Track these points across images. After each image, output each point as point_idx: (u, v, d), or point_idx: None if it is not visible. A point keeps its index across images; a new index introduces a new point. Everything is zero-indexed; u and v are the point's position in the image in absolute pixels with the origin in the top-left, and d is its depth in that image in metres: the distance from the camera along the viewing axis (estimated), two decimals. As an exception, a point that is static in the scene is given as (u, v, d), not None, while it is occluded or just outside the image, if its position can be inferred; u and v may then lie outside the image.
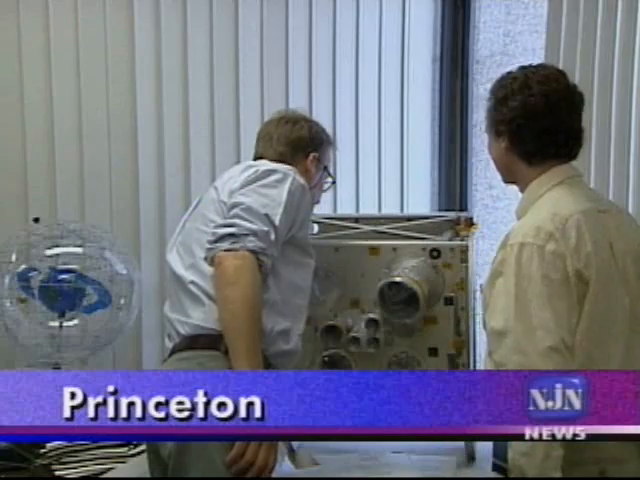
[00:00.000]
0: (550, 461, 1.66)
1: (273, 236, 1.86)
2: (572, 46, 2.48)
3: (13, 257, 2.56)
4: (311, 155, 2.18)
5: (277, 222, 1.88)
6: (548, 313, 1.68)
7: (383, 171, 3.16)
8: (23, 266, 2.55)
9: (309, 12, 3.00)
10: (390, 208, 3.14)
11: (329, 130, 3.01)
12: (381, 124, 3.14)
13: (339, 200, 3.10)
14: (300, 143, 2.17)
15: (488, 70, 3.11)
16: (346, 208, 3.09)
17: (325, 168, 2.24)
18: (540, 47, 2.81)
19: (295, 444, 2.62)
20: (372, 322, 2.29)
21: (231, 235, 1.82)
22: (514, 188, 3.06)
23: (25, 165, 2.76)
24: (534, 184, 1.84)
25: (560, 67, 2.53)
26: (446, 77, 3.18)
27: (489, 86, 3.02)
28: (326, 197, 3.05)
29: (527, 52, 3.01)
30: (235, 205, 1.89)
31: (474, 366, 2.51)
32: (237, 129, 2.96)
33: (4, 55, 2.74)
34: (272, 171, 1.97)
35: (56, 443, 2.35)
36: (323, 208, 3.01)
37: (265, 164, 2.03)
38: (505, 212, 3.12)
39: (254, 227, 1.84)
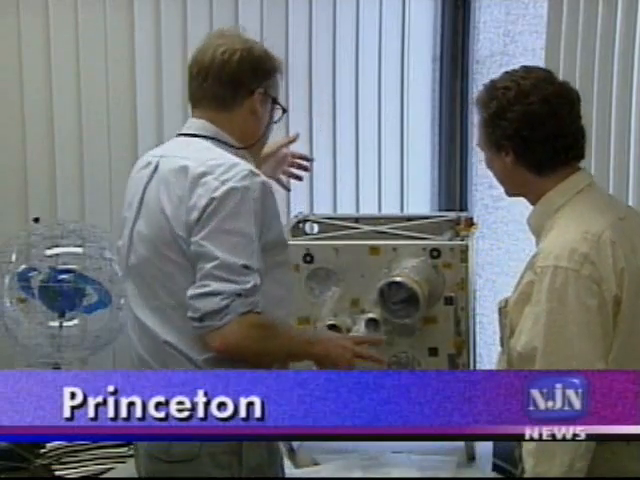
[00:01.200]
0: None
1: (258, 280, 1.65)
2: (572, 46, 2.48)
3: (13, 257, 2.56)
4: (256, 92, 1.81)
5: (256, 263, 1.65)
6: (585, 343, 1.61)
7: (383, 171, 3.16)
8: (23, 266, 2.55)
9: (309, 12, 3.00)
10: (390, 208, 3.14)
11: (329, 130, 3.06)
12: (381, 124, 3.14)
13: (339, 200, 3.10)
14: (241, 80, 1.79)
15: (488, 70, 3.11)
16: (346, 208, 3.09)
17: (274, 100, 1.87)
18: (540, 47, 2.81)
19: (295, 444, 2.62)
20: (372, 322, 2.29)
21: (216, 312, 1.61)
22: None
23: (25, 165, 2.76)
24: (551, 194, 1.73)
25: (560, 67, 2.55)
26: (446, 77, 3.18)
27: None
28: (326, 197, 3.07)
29: (527, 52, 3.00)
30: (203, 257, 1.64)
31: (474, 366, 2.51)
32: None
33: (4, 55, 2.74)
34: (230, 192, 1.66)
35: (56, 443, 2.35)
36: (323, 208, 3.03)
37: (214, 170, 1.68)
38: (505, 212, 3.11)
39: (238, 288, 1.62)
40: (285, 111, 1.92)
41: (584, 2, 2.44)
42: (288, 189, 2.31)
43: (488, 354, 3.08)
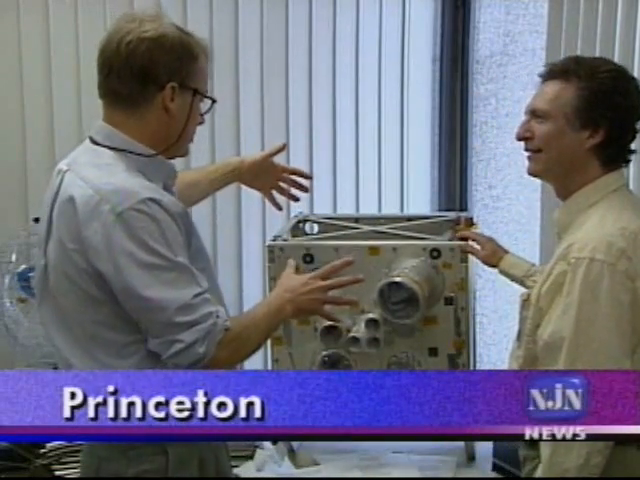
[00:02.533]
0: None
1: (209, 299, 1.57)
2: (573, 46, 2.48)
3: (13, 257, 2.56)
4: (167, 87, 1.58)
5: (200, 284, 1.56)
6: (614, 338, 1.61)
7: (383, 171, 3.16)
8: (23, 266, 2.55)
9: (309, 12, 3.00)
10: (390, 208, 3.14)
11: (329, 130, 3.06)
12: (381, 124, 3.14)
13: (339, 200, 3.10)
14: (148, 74, 1.56)
15: (488, 70, 3.11)
16: (346, 208, 3.09)
17: (196, 92, 1.62)
18: (540, 47, 2.81)
19: (295, 444, 2.62)
20: (372, 322, 2.28)
21: (200, 359, 1.54)
22: (514, 188, 3.10)
23: (25, 165, 2.76)
24: (587, 189, 1.73)
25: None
26: (446, 77, 3.18)
27: (489, 86, 3.09)
28: (326, 197, 3.07)
29: (527, 52, 3.01)
30: (148, 310, 1.51)
31: (474, 366, 2.51)
32: (237, 128, 2.95)
33: (4, 55, 2.74)
34: (136, 227, 1.49)
35: (56, 443, 2.35)
36: (323, 208, 3.03)
37: (110, 199, 1.50)
38: (505, 212, 3.11)
39: (207, 325, 1.54)
40: (214, 101, 1.68)
41: (584, 2, 2.44)
42: (279, 208, 2.20)
43: (488, 354, 3.08)
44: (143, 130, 1.60)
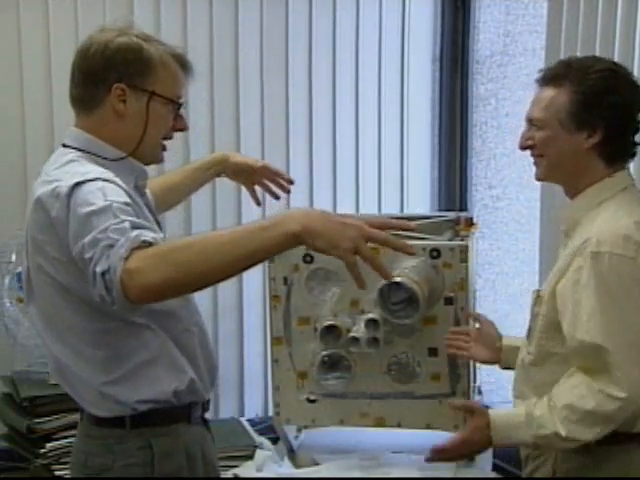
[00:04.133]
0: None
1: (135, 219, 1.42)
2: (572, 46, 2.47)
3: (13, 257, 2.56)
4: (113, 87, 1.57)
5: (121, 217, 1.41)
6: None
7: (383, 171, 3.16)
8: (23, 266, 2.55)
9: (309, 11, 3.00)
10: (390, 208, 3.14)
11: (329, 132, 3.06)
12: (381, 124, 3.14)
13: (339, 200, 3.09)
14: (95, 76, 1.57)
15: (488, 70, 3.11)
16: (346, 208, 3.08)
17: (153, 94, 1.60)
18: (540, 47, 2.81)
19: (295, 444, 2.62)
20: (372, 322, 2.28)
21: (108, 270, 1.34)
22: (514, 188, 3.10)
23: (25, 166, 2.75)
24: (597, 187, 1.73)
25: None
26: (446, 77, 3.18)
27: (489, 86, 3.09)
28: (326, 196, 3.07)
29: (527, 52, 3.00)
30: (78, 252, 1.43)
31: (474, 366, 2.51)
32: (237, 127, 2.95)
33: (4, 55, 2.73)
34: (78, 187, 1.47)
35: (56, 443, 2.35)
36: (322, 207, 3.01)
37: (67, 180, 1.50)
38: (505, 212, 3.11)
39: (113, 234, 1.37)
40: (179, 106, 1.65)
41: (584, 2, 2.44)
42: (258, 203, 2.18)
43: (488, 354, 3.08)
44: (103, 132, 1.61)
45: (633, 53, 2.28)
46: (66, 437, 2.35)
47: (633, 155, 1.77)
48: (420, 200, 3.21)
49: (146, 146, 1.64)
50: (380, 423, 2.44)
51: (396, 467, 2.44)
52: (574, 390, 1.64)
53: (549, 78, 1.75)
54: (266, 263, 2.41)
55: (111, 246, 1.36)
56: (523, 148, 1.81)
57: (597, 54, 2.36)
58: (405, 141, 3.18)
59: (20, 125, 2.75)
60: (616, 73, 1.72)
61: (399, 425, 2.44)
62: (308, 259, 2.38)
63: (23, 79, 2.74)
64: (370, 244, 1.36)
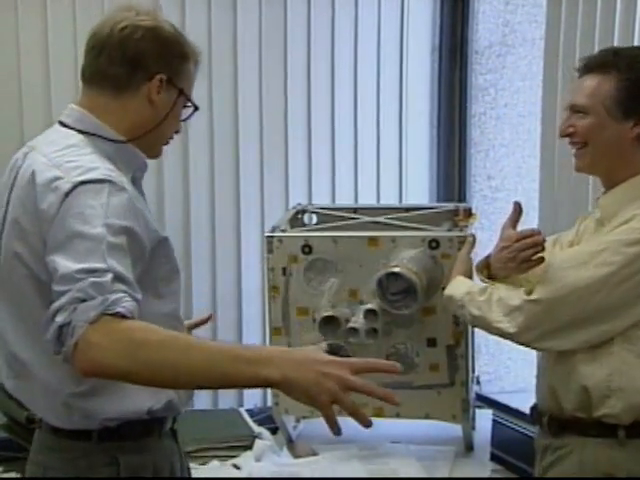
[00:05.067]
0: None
1: (105, 276, 1.28)
2: (571, 35, 2.45)
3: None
4: (156, 77, 1.54)
5: (103, 263, 1.29)
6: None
7: (382, 161, 3.15)
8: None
9: (308, 2, 2.98)
10: (389, 199, 3.14)
11: (328, 121, 3.05)
12: (380, 115, 3.13)
13: (338, 191, 3.08)
14: (139, 61, 1.52)
15: (487, 60, 3.10)
16: (345, 199, 3.08)
17: (181, 92, 1.58)
18: (539, 37, 2.79)
19: (294, 434, 2.62)
20: (371, 313, 2.27)
21: (62, 333, 1.24)
22: (513, 179, 3.08)
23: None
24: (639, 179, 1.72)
25: (559, 57, 2.52)
26: (445, 67, 3.17)
27: (488, 77, 3.07)
28: (325, 187, 3.06)
29: (526, 42, 2.99)
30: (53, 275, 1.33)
31: (472, 356, 2.50)
32: (236, 125, 2.93)
33: (3, 52, 2.72)
34: (77, 193, 1.38)
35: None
36: (322, 199, 3.01)
37: (68, 173, 1.41)
38: (504, 203, 3.09)
39: (73, 294, 1.26)
40: (196, 109, 1.64)
41: (583, -8, 2.42)
42: None
43: (486, 344, 3.07)
44: (120, 116, 1.54)
45: (632, 41, 2.26)
46: (65, 427, 2.35)
47: None
48: (419, 191, 3.20)
49: (156, 139, 1.60)
50: (379, 413, 2.43)
51: (394, 457, 2.44)
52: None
53: (594, 66, 1.72)
54: (265, 254, 2.41)
55: (83, 300, 1.25)
56: (563, 135, 1.77)
57: (596, 44, 2.34)
58: (404, 132, 3.17)
59: (19, 123, 2.73)
60: None
61: (398, 415, 2.43)
62: (307, 250, 2.36)
63: (21, 76, 2.73)
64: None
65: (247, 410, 2.82)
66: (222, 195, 2.94)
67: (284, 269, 2.38)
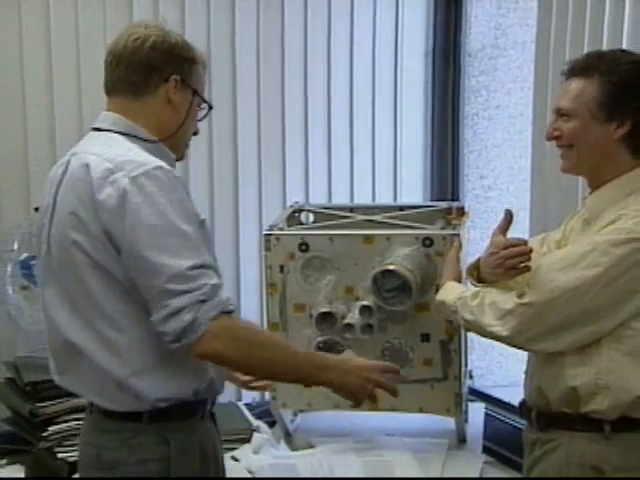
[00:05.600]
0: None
1: (213, 277, 1.52)
2: (562, 39, 2.47)
3: (15, 246, 2.55)
4: (171, 79, 1.66)
5: (203, 258, 1.52)
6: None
7: (377, 161, 3.16)
8: (25, 254, 2.54)
9: (304, 7, 2.99)
10: (384, 198, 3.15)
11: (324, 122, 3.06)
12: (375, 116, 3.14)
13: (334, 190, 3.10)
14: (153, 65, 1.65)
15: (479, 63, 3.11)
16: (341, 198, 3.09)
17: (195, 92, 1.71)
18: (531, 40, 2.80)
19: (291, 428, 2.63)
20: (366, 309, 2.28)
21: (186, 329, 1.47)
22: (505, 179, 3.10)
23: (27, 158, 2.75)
24: (624, 179, 1.71)
25: (550, 60, 2.54)
26: (438, 70, 3.18)
27: (481, 79, 3.09)
28: (321, 187, 3.07)
29: (517, 45, 3.00)
30: (146, 272, 1.50)
31: (465, 351, 2.51)
32: (234, 126, 2.94)
33: (6, 50, 2.72)
34: (143, 189, 1.51)
35: (58, 427, 2.35)
36: (318, 198, 3.03)
37: (123, 167, 1.54)
38: (496, 202, 3.11)
39: (197, 295, 1.48)
40: (211, 108, 1.77)
41: (573, -5, 2.44)
42: None
43: (479, 340, 3.08)
44: (147, 118, 1.67)
45: (621, 44, 2.27)
46: (67, 421, 2.35)
47: None
48: (413, 190, 3.21)
49: (180, 139, 1.72)
50: (374, 407, 2.43)
51: (389, 449, 2.45)
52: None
53: (579, 69, 1.73)
54: (263, 252, 2.42)
55: (203, 301, 1.48)
56: (550, 139, 1.79)
57: (586, 47, 2.36)
58: (398, 132, 3.18)
59: (22, 120, 2.74)
60: None
61: (393, 409, 2.44)
62: (304, 248, 2.38)
63: (24, 74, 2.74)
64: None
65: (246, 404, 2.83)
66: (221, 194, 2.95)
67: (282, 266, 2.39)
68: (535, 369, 1.80)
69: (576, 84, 1.72)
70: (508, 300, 1.72)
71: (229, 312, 1.51)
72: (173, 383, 1.60)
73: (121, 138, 1.64)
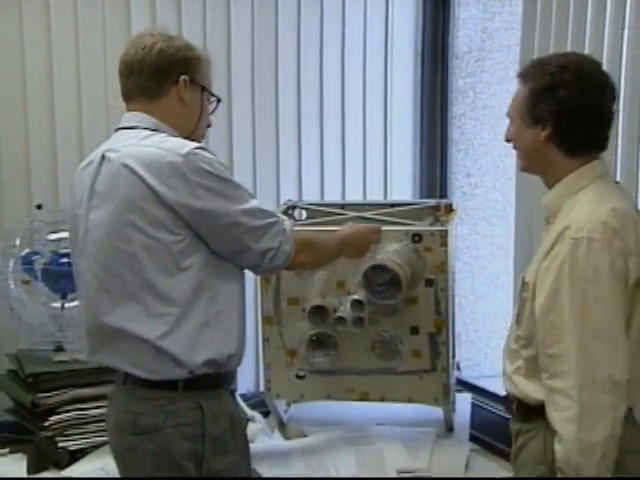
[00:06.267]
0: (606, 461, 1.59)
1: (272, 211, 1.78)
2: (546, 42, 2.49)
3: (17, 242, 2.56)
4: (181, 79, 1.79)
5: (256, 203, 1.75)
6: (613, 311, 1.61)
7: (368, 160, 3.18)
8: (27, 250, 2.55)
9: (298, 12, 3.00)
10: (374, 195, 3.16)
11: (317, 121, 3.07)
12: (366, 116, 3.15)
13: (326, 187, 3.11)
14: (163, 69, 1.77)
15: (467, 65, 3.13)
16: (333, 195, 3.10)
17: (204, 88, 1.84)
18: (515, 43, 2.82)
19: (285, 417, 2.65)
20: (357, 303, 2.30)
21: (271, 258, 1.75)
22: (491, 177, 3.13)
23: (28, 156, 2.75)
24: (573, 176, 1.73)
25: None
26: (427, 71, 3.19)
27: (468, 80, 3.11)
28: (314, 184, 3.09)
29: (503, 48, 3.02)
30: (214, 220, 1.68)
31: (453, 343, 2.54)
32: (229, 125, 2.95)
33: (7, 50, 2.72)
34: (199, 157, 1.68)
35: (58, 416, 2.36)
36: (311, 195, 3.04)
37: (180, 150, 1.68)
38: (482, 199, 3.14)
39: (266, 223, 1.73)
40: (219, 100, 1.89)
41: (557, 0, 2.46)
42: None
43: (466, 332, 3.11)
44: (165, 118, 1.78)
45: (602, 47, 2.30)
46: (68, 411, 2.37)
47: (600, 146, 1.78)
48: (403, 187, 3.23)
49: (198, 134, 1.84)
50: (365, 397, 2.47)
51: (380, 438, 2.47)
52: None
53: (519, 75, 1.78)
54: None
55: (284, 231, 1.75)
56: (506, 141, 1.83)
57: (569, 49, 2.38)
58: (389, 132, 3.19)
59: (23, 119, 2.74)
60: (564, 69, 1.71)
61: (383, 399, 2.46)
62: (297, 243, 2.39)
63: (25, 73, 2.73)
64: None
65: (241, 395, 2.84)
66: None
67: (276, 262, 2.40)
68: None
69: (517, 90, 1.78)
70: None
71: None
72: (211, 348, 1.70)
73: (152, 132, 1.75)
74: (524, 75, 1.76)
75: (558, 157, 1.74)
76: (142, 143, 1.71)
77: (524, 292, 1.76)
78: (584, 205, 1.68)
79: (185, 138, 1.76)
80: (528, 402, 1.73)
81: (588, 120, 1.71)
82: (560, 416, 1.61)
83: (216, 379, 1.75)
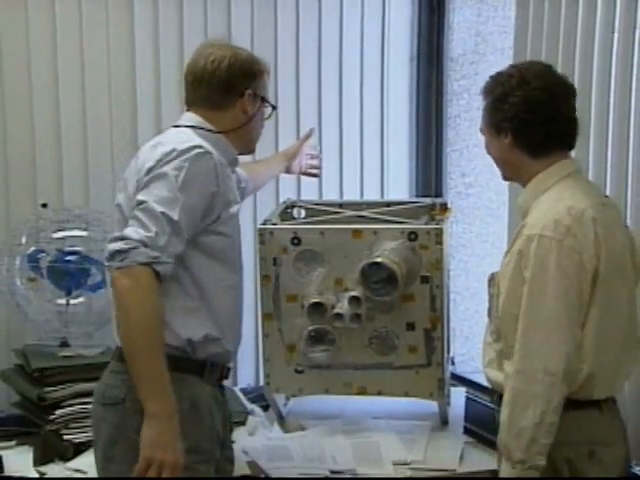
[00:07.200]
0: (536, 446, 1.65)
1: (176, 243, 1.70)
2: (538, 45, 2.49)
3: (23, 240, 2.56)
4: (246, 93, 1.90)
5: (180, 220, 1.70)
6: (562, 307, 1.64)
7: (365, 160, 3.18)
8: (33, 248, 2.55)
9: (296, 16, 3.01)
10: (371, 194, 3.16)
11: (315, 123, 3.06)
12: (363, 117, 3.15)
13: (325, 187, 3.11)
14: (231, 84, 1.87)
15: (461, 67, 3.13)
16: (331, 194, 3.11)
17: (263, 99, 1.94)
18: (509, 46, 2.83)
19: (284, 411, 2.65)
20: (354, 299, 2.30)
21: (119, 252, 1.64)
22: (485, 176, 3.13)
23: (34, 155, 2.75)
24: (540, 176, 1.77)
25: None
26: (423, 74, 3.19)
27: (462, 82, 3.11)
28: (312, 184, 3.08)
29: (497, 51, 3.02)
30: (137, 204, 1.72)
31: (447, 339, 2.54)
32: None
33: (12, 50, 2.72)
34: (174, 154, 1.74)
35: (64, 410, 2.36)
36: (309, 194, 3.04)
37: (168, 142, 1.79)
38: (476, 198, 3.14)
39: (145, 236, 1.65)
40: (274, 108, 2.01)
41: (549, 5, 2.46)
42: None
43: (461, 328, 3.11)
44: (218, 122, 1.89)
45: (593, 51, 2.30)
46: (72, 405, 2.37)
47: (565, 144, 1.79)
48: (399, 187, 3.23)
49: (248, 136, 1.95)
50: (362, 392, 2.47)
51: (376, 431, 2.47)
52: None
53: (480, 92, 1.85)
54: (257, 245, 2.43)
55: (145, 245, 1.65)
56: (488, 153, 1.89)
57: (560, 53, 2.38)
58: (385, 133, 3.19)
59: (29, 118, 2.74)
60: (511, 77, 1.77)
61: (379, 393, 2.47)
62: (296, 242, 2.39)
63: (31, 72, 2.74)
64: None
65: (241, 389, 2.85)
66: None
67: (275, 259, 2.41)
68: (492, 361, 1.85)
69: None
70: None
71: (158, 273, 1.65)
72: (168, 329, 1.73)
73: (189, 131, 1.85)
74: (484, 90, 1.82)
75: (525, 160, 1.77)
76: (164, 138, 1.86)
77: (491, 288, 1.84)
78: (543, 204, 1.72)
79: (241, 145, 1.92)
80: (502, 393, 1.75)
81: (540, 120, 1.74)
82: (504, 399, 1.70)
83: (180, 362, 1.75)
